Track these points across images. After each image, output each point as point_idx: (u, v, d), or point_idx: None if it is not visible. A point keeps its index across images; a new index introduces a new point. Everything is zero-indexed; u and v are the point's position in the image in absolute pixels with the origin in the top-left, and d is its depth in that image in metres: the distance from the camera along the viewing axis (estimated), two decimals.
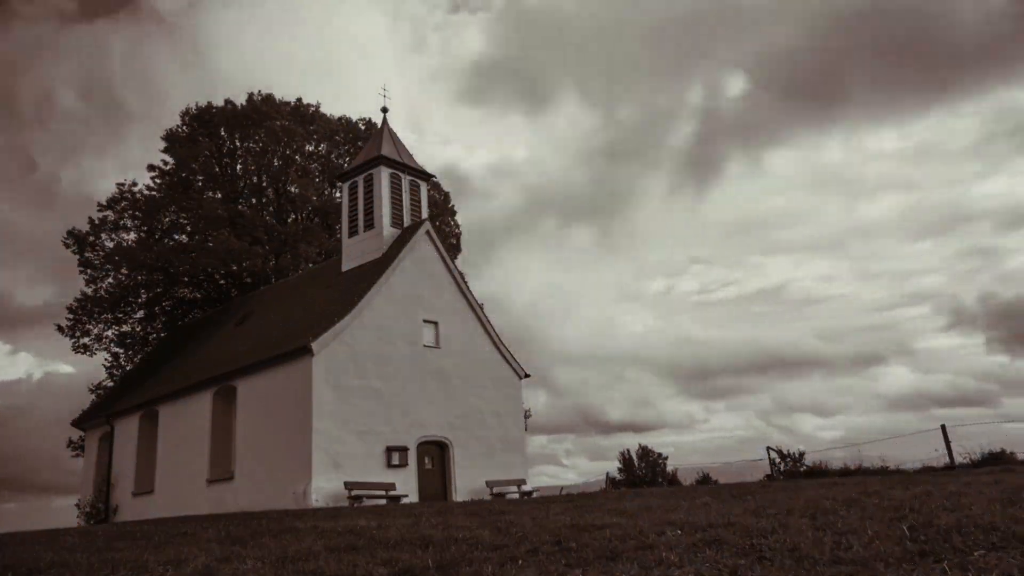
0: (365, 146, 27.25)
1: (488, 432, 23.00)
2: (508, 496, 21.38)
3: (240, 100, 38.03)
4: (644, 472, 30.17)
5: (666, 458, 30.64)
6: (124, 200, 36.82)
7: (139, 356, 36.16)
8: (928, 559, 5.30)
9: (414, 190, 24.36)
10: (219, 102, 37.92)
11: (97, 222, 36.55)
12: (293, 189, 37.18)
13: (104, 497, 26.61)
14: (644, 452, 31.22)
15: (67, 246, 36.04)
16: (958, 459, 16.83)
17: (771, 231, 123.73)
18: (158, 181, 37.21)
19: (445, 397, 22.04)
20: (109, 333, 37.01)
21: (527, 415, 28.91)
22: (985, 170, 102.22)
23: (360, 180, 24.13)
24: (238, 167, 38.47)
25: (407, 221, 23.63)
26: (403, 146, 25.26)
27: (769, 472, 21.31)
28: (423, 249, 22.99)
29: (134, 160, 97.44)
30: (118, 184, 37.01)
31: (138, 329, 37.79)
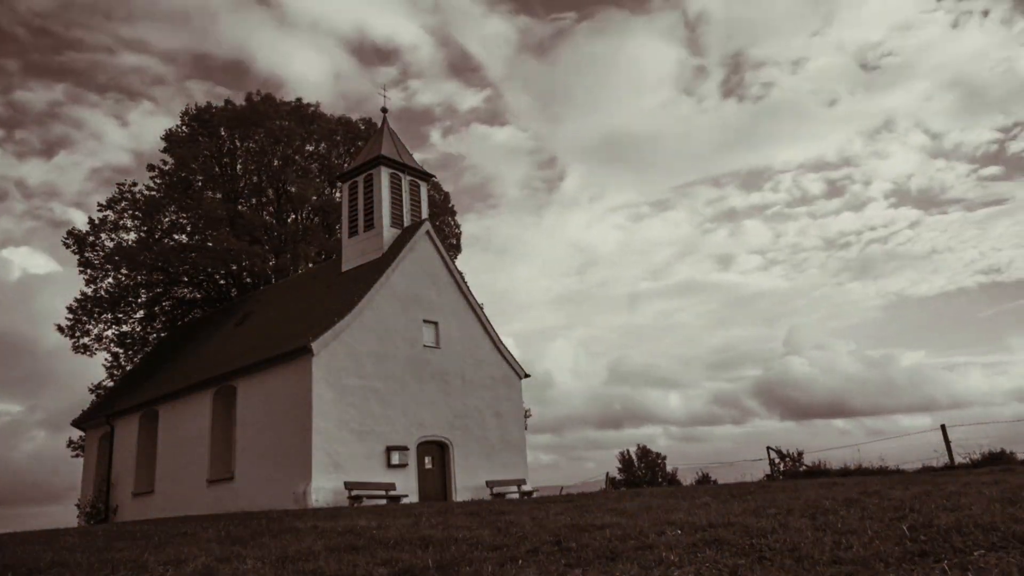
0: (365, 146, 27.27)
1: (488, 432, 23.00)
2: (508, 496, 21.38)
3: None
4: (644, 472, 30.28)
5: (665, 458, 30.79)
6: (124, 200, 36.79)
7: (139, 356, 36.15)
8: (928, 559, 5.31)
9: (414, 190, 24.37)
10: None
11: (97, 222, 36.53)
12: (293, 189, 37.19)
13: (104, 497, 26.61)
14: (643, 452, 31.36)
15: (67, 246, 36.03)
16: (958, 459, 16.82)
17: None
18: (158, 181, 37.19)
19: (445, 397, 22.03)
20: (109, 333, 37.03)
21: (527, 415, 28.93)
22: None
23: (360, 180, 24.14)
24: (238, 167, 38.46)
25: (407, 221, 23.64)
26: (403, 146, 25.27)
27: (769, 472, 21.31)
28: (423, 249, 22.99)
29: None
30: (118, 184, 37.06)
31: (138, 329, 37.77)
